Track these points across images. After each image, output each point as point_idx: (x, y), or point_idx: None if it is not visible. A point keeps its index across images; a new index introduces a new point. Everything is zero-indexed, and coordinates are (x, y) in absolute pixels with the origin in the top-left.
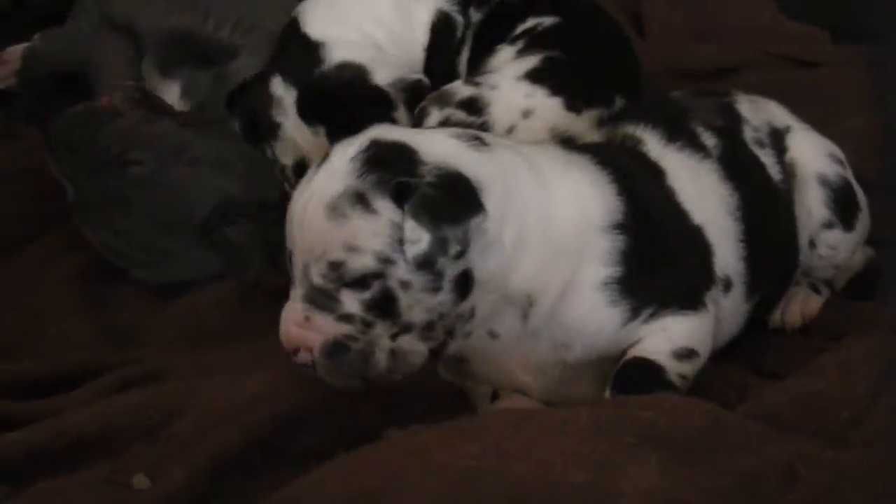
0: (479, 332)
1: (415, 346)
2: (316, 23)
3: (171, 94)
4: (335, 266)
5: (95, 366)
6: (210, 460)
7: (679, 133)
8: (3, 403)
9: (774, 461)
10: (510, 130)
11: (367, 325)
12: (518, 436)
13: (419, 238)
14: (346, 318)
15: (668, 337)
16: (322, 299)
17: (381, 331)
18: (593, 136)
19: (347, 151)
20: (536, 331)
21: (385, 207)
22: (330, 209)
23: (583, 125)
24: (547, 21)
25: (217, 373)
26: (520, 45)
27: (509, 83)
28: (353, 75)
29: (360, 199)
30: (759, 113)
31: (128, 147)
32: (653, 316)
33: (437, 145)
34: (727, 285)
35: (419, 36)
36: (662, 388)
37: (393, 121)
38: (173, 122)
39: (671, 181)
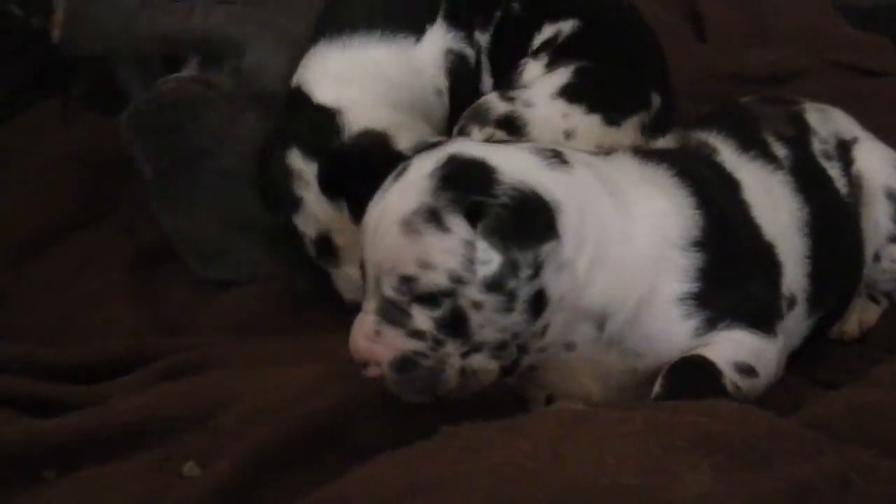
0: (555, 345)
1: (486, 365)
2: (325, 89)
3: None
4: (406, 280)
5: (144, 353)
6: (258, 451)
7: (752, 143)
8: (51, 387)
9: (830, 470)
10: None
11: (438, 342)
12: (572, 436)
13: (490, 259)
14: (417, 334)
15: (733, 348)
16: (394, 313)
17: (452, 349)
18: (638, 141)
19: (424, 166)
20: (610, 340)
21: (458, 226)
22: (404, 225)
23: (625, 135)
24: (566, 27)
25: (266, 364)
26: (545, 57)
27: (545, 102)
28: (375, 143)
29: (434, 217)
30: (827, 123)
31: (217, 141)
32: (725, 327)
33: (515, 163)
34: (791, 303)
35: (427, 80)
36: (715, 391)
37: None
38: (255, 118)
39: (746, 194)
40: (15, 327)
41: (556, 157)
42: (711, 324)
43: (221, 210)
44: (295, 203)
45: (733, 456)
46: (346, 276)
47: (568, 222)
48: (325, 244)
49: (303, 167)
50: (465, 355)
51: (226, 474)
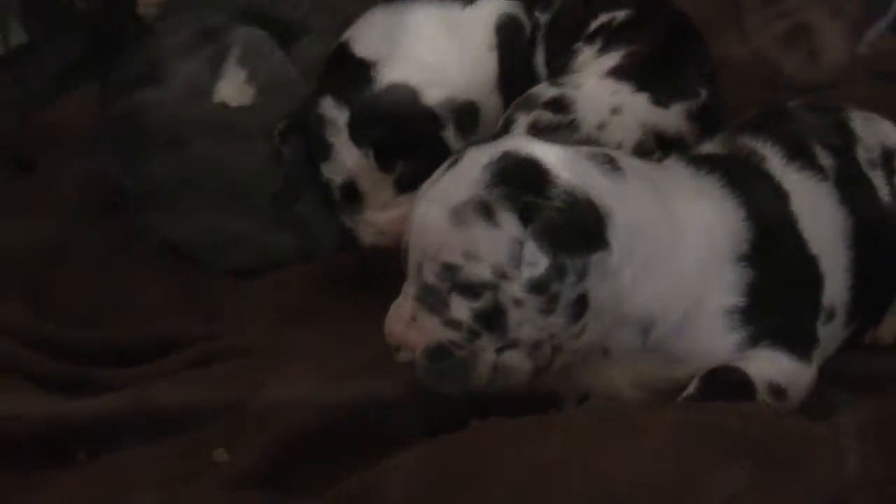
0: (591, 348)
1: (519, 363)
2: (366, 44)
3: (237, 80)
4: (449, 268)
5: (179, 338)
6: (288, 439)
7: (799, 152)
8: (85, 369)
9: (864, 479)
10: (600, 127)
11: (474, 334)
12: (602, 434)
13: (537, 261)
14: (454, 323)
15: (771, 367)
16: (432, 300)
17: (487, 343)
18: (683, 127)
19: (480, 158)
20: (652, 347)
21: (509, 223)
22: (453, 214)
23: (673, 118)
24: (620, 15)
25: (299, 352)
26: (598, 43)
27: (594, 81)
28: (403, 96)
29: (486, 210)
30: (871, 131)
31: (178, 128)
32: (766, 346)
33: (570, 166)
34: (830, 314)
35: (476, 37)
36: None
37: (441, 141)
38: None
39: (793, 206)
40: (50, 310)
41: (610, 164)
42: (754, 340)
43: (210, 197)
44: (325, 150)
45: (764, 460)
46: (367, 221)
47: (618, 232)
48: (351, 190)
49: (335, 115)
50: (499, 351)
51: (255, 461)
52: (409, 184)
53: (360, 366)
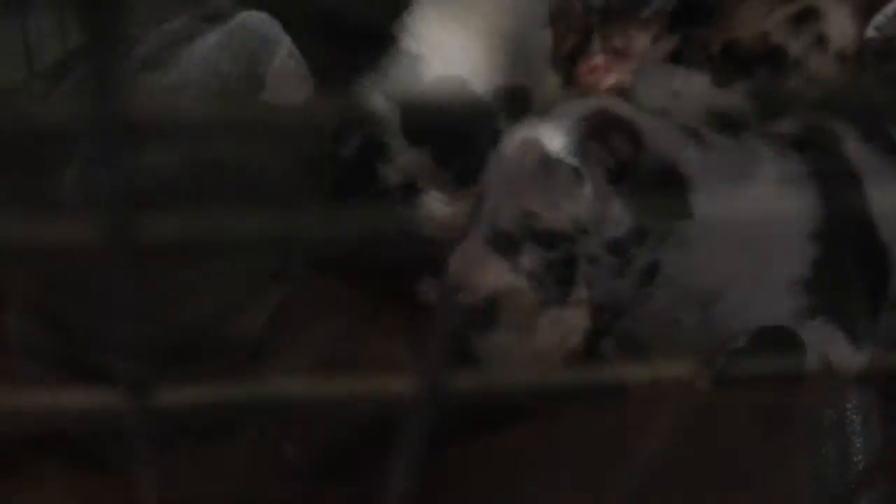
0: (660, 320)
1: (579, 323)
2: (416, 36)
3: (293, 70)
4: (529, 215)
5: (183, 331)
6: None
7: (875, 132)
8: (85, 356)
9: (881, 450)
10: (664, 113)
11: (541, 285)
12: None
13: (621, 221)
14: (523, 272)
15: (825, 341)
16: (504, 246)
17: (552, 297)
18: (746, 107)
19: (574, 112)
20: (716, 321)
21: (598, 179)
22: (542, 162)
23: (736, 99)
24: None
25: (312, 347)
26: (654, 28)
27: (653, 67)
28: (452, 88)
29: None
30: None
31: (179, 122)
32: (825, 321)
33: (662, 134)
34: (894, 305)
35: (527, 28)
36: (794, 366)
37: (495, 131)
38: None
39: (867, 189)
40: (54, 304)
41: (697, 137)
42: (812, 313)
43: (227, 200)
44: (383, 151)
45: (787, 429)
46: (428, 215)
47: (700, 202)
48: (408, 187)
49: (387, 112)
50: (562, 307)
51: (315, 453)
52: (466, 178)
53: (373, 361)
